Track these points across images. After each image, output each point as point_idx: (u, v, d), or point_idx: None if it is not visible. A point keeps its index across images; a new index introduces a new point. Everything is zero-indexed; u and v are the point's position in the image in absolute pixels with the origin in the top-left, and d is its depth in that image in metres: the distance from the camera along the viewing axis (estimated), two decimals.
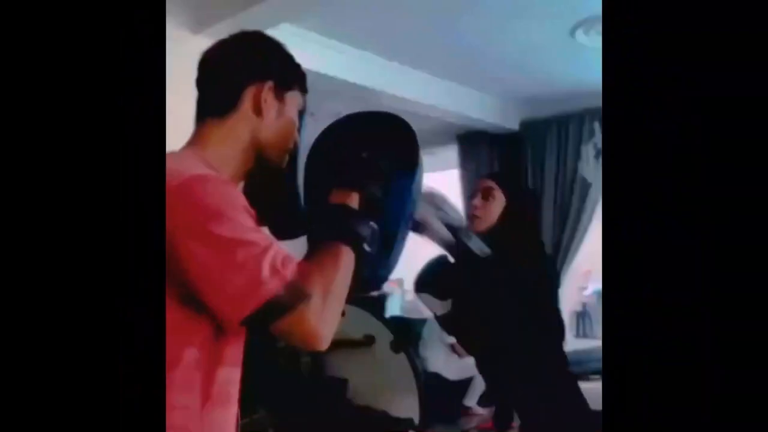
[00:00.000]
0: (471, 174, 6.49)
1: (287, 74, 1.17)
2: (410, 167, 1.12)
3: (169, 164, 0.86)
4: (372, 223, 1.02)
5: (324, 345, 0.92)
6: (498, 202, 1.61)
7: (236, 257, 0.87)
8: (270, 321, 0.88)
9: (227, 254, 0.87)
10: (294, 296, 0.88)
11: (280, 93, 1.15)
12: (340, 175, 1.08)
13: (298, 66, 1.19)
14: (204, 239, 0.86)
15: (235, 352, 1.07)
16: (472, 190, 1.69)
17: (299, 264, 0.95)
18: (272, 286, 0.87)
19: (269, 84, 1.13)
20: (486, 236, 1.47)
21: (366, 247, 1.00)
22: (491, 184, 1.65)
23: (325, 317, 0.90)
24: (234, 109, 1.13)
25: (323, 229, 1.01)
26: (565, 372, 1.49)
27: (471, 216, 1.60)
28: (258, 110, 1.12)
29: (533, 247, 1.60)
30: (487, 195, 1.63)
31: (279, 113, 1.15)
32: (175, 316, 0.88)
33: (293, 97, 1.18)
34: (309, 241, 1.11)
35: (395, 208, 1.10)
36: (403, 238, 1.14)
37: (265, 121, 1.13)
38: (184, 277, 0.88)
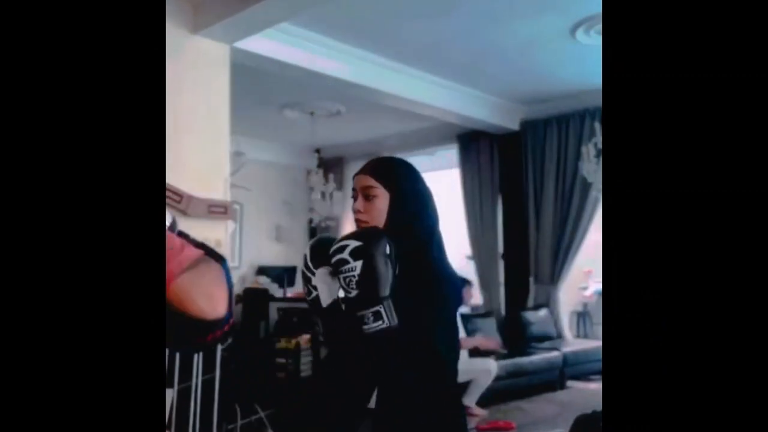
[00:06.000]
0: (471, 174, 6.52)
1: None
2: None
3: None
4: None
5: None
6: (382, 200, 1.42)
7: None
8: None
9: None
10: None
11: None
12: None
13: None
14: None
15: None
16: (352, 190, 1.48)
17: None
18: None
19: None
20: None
21: None
22: (370, 182, 1.44)
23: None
24: None
25: None
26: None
27: (356, 221, 1.45)
28: None
29: (419, 241, 1.43)
30: (368, 194, 1.43)
31: None
32: None
33: None
34: None
35: None
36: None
37: None
38: None
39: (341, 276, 1.33)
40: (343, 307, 1.35)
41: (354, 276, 1.31)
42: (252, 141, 6.37)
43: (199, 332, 0.90)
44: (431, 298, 1.39)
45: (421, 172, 1.49)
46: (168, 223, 1.28)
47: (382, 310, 1.31)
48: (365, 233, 1.38)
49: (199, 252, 0.90)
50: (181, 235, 1.13)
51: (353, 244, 1.33)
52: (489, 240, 6.30)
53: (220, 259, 0.97)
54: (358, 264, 1.31)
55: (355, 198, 1.47)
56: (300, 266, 1.45)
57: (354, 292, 1.32)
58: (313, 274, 1.41)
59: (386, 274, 1.32)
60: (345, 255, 1.33)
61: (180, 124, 3.40)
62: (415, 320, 1.33)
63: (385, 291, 1.31)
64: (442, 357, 1.40)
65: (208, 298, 0.87)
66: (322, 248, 1.42)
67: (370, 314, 1.31)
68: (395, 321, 1.31)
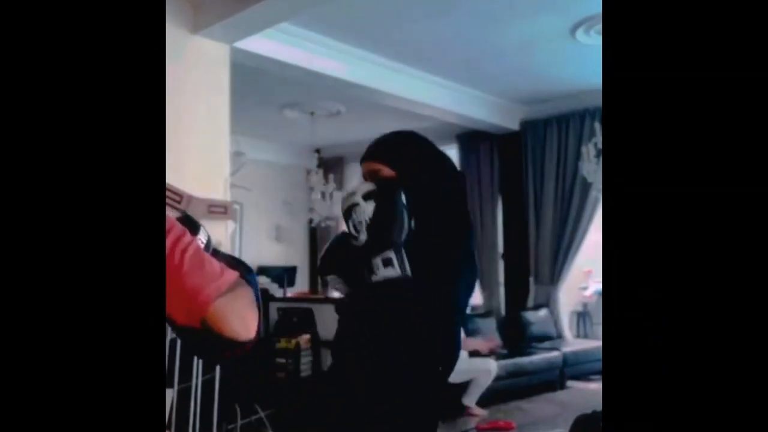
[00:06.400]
0: (471, 174, 6.52)
1: None
2: None
3: None
4: None
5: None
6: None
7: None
8: None
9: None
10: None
11: None
12: None
13: None
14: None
15: None
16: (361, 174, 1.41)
17: None
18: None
19: None
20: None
21: None
22: (374, 165, 1.35)
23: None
24: None
25: None
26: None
27: None
28: None
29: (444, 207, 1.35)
30: (375, 176, 1.35)
31: None
32: None
33: None
34: None
35: None
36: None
37: None
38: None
39: (350, 222, 1.24)
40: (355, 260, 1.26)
41: (364, 219, 1.23)
42: (252, 141, 6.36)
43: (229, 348, 0.94)
44: (456, 248, 1.30)
45: None
46: (203, 240, 1.29)
47: (393, 256, 1.18)
48: (380, 180, 1.30)
49: (235, 275, 0.93)
50: (216, 253, 1.15)
51: (366, 187, 1.26)
52: (489, 240, 6.30)
53: (249, 271, 1.00)
54: (369, 206, 1.23)
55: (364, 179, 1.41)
56: (299, 264, 1.44)
57: (363, 237, 1.22)
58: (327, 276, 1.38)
59: (399, 219, 1.21)
60: (357, 198, 1.25)
61: (180, 125, 3.40)
62: (435, 271, 1.22)
63: (398, 237, 1.20)
64: (461, 313, 1.31)
65: (242, 320, 0.90)
66: (339, 246, 1.38)
67: (379, 261, 1.19)
68: (408, 272, 1.18)
